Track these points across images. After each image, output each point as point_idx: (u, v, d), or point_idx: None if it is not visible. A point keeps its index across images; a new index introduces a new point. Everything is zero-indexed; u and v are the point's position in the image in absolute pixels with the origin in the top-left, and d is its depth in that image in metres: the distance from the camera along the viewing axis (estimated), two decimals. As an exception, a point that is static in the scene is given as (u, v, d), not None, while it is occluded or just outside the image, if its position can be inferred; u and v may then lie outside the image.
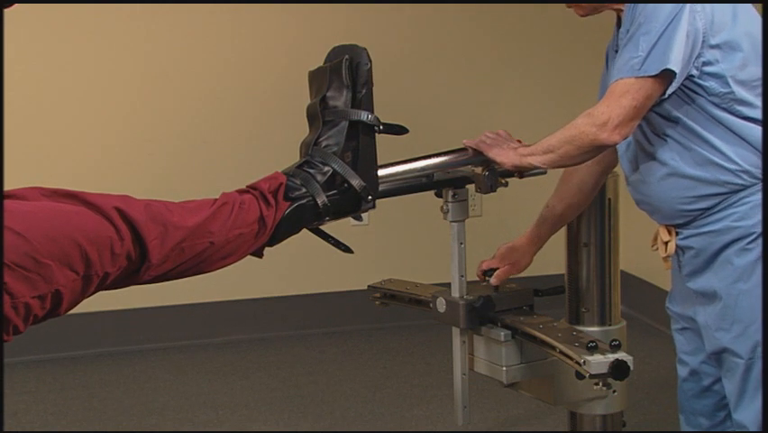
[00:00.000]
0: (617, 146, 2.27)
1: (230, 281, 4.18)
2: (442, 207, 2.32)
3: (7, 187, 1.45)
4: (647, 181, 2.22)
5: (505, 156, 2.17)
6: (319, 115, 1.82)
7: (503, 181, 2.27)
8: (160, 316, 4.30)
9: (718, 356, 2.22)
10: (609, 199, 2.50)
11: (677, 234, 2.24)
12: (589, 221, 2.51)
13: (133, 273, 1.53)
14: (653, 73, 2.01)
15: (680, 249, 2.25)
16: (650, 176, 2.21)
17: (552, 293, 2.46)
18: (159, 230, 1.52)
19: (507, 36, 4.54)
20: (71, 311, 1.49)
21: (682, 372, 2.39)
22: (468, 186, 2.32)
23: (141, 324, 4.30)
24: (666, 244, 2.25)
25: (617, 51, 2.20)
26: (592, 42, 4.54)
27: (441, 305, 2.38)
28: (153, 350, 4.27)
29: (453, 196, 2.30)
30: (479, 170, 2.25)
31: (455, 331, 2.40)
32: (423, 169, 2.19)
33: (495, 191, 2.26)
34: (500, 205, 4.51)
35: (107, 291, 1.57)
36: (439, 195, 2.32)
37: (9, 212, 1.36)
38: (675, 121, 2.12)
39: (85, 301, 1.51)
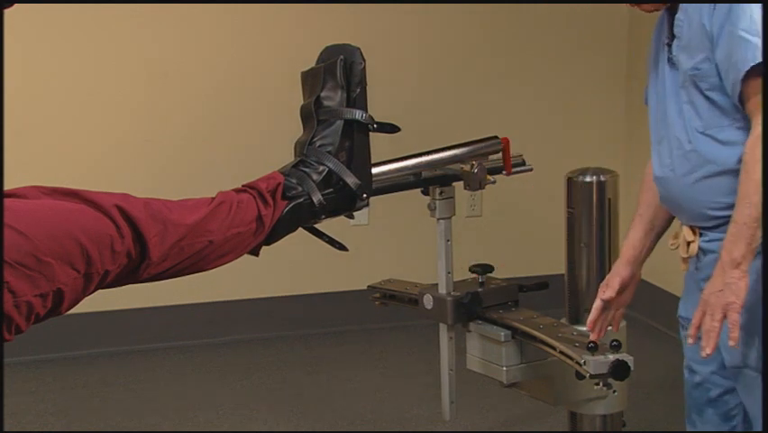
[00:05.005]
0: (651, 138, 2.20)
1: (230, 281, 4.18)
2: (429, 205, 2.31)
3: (7, 186, 1.45)
4: (681, 181, 2.12)
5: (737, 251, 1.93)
6: (313, 114, 1.83)
7: (491, 179, 2.27)
8: (160, 316, 4.30)
9: (738, 370, 2.12)
10: (609, 199, 2.50)
11: (700, 234, 2.15)
12: (590, 221, 2.51)
13: (133, 271, 1.53)
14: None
15: (701, 251, 2.16)
16: (687, 175, 2.10)
17: (535, 289, 2.45)
18: (159, 228, 1.52)
19: (500, 36, 4.53)
20: (71, 311, 1.49)
21: (691, 378, 2.32)
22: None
23: (141, 324, 4.30)
24: (689, 244, 2.17)
25: (669, 59, 2.11)
26: (585, 43, 4.56)
27: (428, 301, 2.38)
28: (153, 350, 4.27)
29: (440, 193, 2.29)
30: (467, 167, 2.24)
31: (442, 327, 2.40)
32: (415, 167, 2.19)
33: (483, 188, 2.26)
34: (500, 204, 4.52)
35: (108, 291, 1.57)
36: (425, 192, 2.32)
37: (10, 210, 1.36)
38: (736, 110, 2.00)
39: (85, 301, 1.51)
